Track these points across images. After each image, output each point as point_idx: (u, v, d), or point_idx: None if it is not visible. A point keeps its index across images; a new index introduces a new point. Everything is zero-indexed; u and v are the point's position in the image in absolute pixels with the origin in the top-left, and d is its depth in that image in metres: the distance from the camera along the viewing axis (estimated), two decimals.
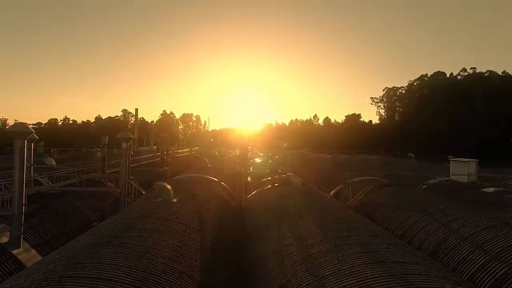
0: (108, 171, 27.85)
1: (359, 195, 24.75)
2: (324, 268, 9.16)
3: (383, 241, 11.26)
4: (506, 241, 12.00)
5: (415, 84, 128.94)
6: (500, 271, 10.79)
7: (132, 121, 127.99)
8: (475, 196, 24.02)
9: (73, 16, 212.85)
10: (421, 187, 29.39)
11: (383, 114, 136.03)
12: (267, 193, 23.88)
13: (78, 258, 8.79)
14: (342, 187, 29.56)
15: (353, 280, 8.12)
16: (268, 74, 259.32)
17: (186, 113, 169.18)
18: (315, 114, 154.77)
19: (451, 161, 33.16)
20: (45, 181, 23.87)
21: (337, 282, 8.16)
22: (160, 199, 16.80)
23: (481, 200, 22.15)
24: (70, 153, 66.43)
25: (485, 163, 38.15)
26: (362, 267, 8.70)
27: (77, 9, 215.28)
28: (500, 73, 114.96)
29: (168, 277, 8.79)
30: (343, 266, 8.83)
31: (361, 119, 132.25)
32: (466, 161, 30.32)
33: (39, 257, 12.55)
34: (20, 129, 12.74)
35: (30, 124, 15.06)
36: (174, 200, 16.77)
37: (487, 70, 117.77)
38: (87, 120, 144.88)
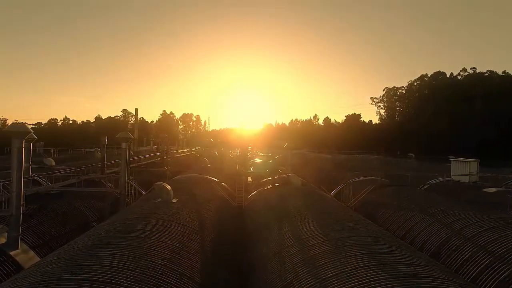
0: (107, 171, 27.71)
1: (360, 195, 24.61)
2: (326, 270, 9.03)
3: (385, 242, 11.13)
4: (510, 242, 11.86)
5: (415, 84, 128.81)
6: (504, 272, 10.65)
7: (132, 121, 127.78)
8: (477, 196, 23.89)
9: (73, 16, 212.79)
10: (422, 187, 29.26)
11: (383, 114, 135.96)
12: (267, 193, 23.75)
13: (77, 260, 8.65)
14: (342, 187, 29.43)
15: (356, 282, 7.98)
16: (268, 74, 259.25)
17: (186, 113, 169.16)
18: (315, 114, 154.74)
19: (452, 161, 33.04)
20: (44, 181, 23.73)
21: (340, 284, 8.02)
22: (159, 199, 16.67)
23: (482, 200, 22.03)
24: (70, 153, 66.24)
25: (485, 163, 38.04)
26: (364, 269, 8.56)
27: (77, 9, 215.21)
28: (500, 73, 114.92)
29: (168, 279, 8.66)
30: (345, 268, 8.70)
31: (361, 119, 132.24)
32: (468, 161, 30.19)
33: (37, 259, 12.42)
34: (18, 129, 12.61)
35: (29, 124, 14.93)
36: (174, 201, 16.65)
37: (487, 70, 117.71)
38: (87, 120, 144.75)
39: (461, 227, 14.38)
